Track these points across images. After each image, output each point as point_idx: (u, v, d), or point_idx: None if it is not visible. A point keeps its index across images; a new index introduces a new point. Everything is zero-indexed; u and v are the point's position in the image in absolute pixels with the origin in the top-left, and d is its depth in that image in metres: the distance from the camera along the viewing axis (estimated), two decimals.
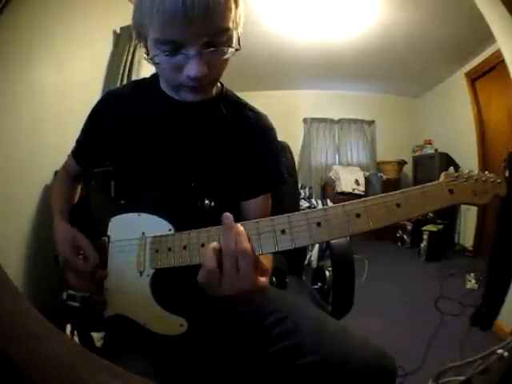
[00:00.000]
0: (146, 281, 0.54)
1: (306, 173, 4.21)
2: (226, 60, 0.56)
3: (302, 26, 2.59)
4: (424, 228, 2.96)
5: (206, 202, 0.56)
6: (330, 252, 0.98)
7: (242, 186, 0.67)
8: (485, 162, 2.85)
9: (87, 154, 0.74)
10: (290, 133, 3.61)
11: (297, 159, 4.00)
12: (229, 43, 0.53)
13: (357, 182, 3.76)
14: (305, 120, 4.32)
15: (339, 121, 4.32)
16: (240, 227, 0.46)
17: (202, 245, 0.49)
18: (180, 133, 0.64)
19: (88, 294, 0.59)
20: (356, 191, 3.71)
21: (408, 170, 4.08)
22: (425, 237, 2.91)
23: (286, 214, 0.45)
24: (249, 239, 0.45)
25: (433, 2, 2.15)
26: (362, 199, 0.43)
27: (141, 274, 0.55)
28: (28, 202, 1.34)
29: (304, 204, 3.22)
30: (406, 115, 4.18)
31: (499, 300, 1.61)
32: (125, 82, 1.76)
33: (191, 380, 0.59)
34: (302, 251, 1.27)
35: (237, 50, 0.54)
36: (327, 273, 1.08)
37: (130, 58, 1.80)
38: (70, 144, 0.76)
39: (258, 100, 0.89)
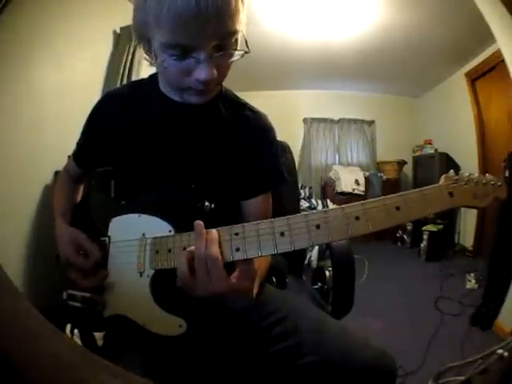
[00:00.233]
0: (146, 281, 0.55)
1: (305, 173, 4.21)
2: (232, 62, 0.55)
3: (303, 26, 2.59)
4: (424, 228, 2.96)
5: (206, 203, 0.56)
6: (330, 252, 0.98)
7: (242, 186, 0.67)
8: (485, 161, 2.85)
9: (87, 157, 0.74)
10: (289, 133, 3.60)
11: (297, 159, 4.00)
12: (236, 46, 0.53)
13: (357, 181, 3.76)
14: (305, 120, 4.32)
15: (339, 121, 4.32)
16: (212, 233, 0.47)
17: None
18: (179, 134, 0.64)
19: (88, 294, 0.60)
20: (356, 191, 3.71)
21: (408, 170, 4.08)
22: (425, 237, 2.91)
23: (286, 217, 0.45)
24: (220, 244, 0.46)
25: (432, 3, 2.15)
26: (362, 202, 0.44)
27: (141, 274, 0.55)
28: (28, 202, 1.34)
29: (304, 204, 3.23)
30: (405, 115, 4.18)
31: (499, 300, 1.61)
32: (125, 82, 1.76)
33: (191, 380, 0.59)
34: (302, 252, 1.27)
35: (246, 52, 0.53)
36: (327, 273, 1.08)
37: (129, 58, 1.80)
38: (70, 144, 0.76)
39: (258, 100, 0.89)
